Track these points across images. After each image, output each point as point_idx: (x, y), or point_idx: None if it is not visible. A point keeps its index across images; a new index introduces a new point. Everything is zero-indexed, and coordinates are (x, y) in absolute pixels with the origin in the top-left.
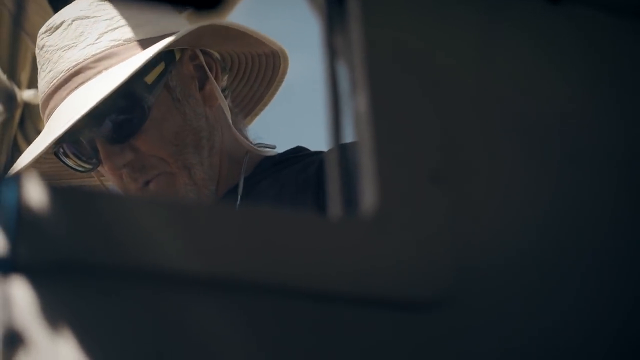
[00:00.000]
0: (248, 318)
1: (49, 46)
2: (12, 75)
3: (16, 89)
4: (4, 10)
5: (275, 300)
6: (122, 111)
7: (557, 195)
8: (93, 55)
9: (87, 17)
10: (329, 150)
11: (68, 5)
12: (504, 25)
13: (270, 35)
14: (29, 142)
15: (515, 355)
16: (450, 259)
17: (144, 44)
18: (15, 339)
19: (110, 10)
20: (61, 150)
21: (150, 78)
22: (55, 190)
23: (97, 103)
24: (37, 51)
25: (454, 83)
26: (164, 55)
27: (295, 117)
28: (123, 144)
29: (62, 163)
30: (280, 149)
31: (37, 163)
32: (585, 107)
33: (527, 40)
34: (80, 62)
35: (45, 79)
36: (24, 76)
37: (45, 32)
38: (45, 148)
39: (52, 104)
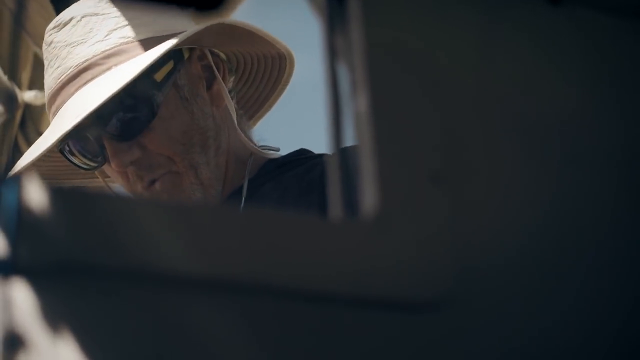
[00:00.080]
0: (249, 319)
1: (57, 42)
2: (13, 75)
3: (17, 90)
4: (5, 10)
5: (276, 302)
6: (131, 108)
7: (557, 195)
8: (102, 52)
9: (97, 14)
10: (330, 152)
11: (76, 3)
12: (504, 26)
13: None
14: (29, 143)
15: (515, 355)
16: (450, 259)
17: (153, 42)
18: (15, 341)
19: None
20: (67, 147)
21: (159, 76)
22: (56, 192)
23: (108, 98)
24: (44, 47)
25: (454, 83)
26: (173, 54)
27: (295, 117)
28: (130, 142)
29: (67, 161)
30: (280, 149)
31: (41, 160)
32: (586, 108)
33: (528, 41)
34: (89, 59)
35: (53, 75)
36: (25, 77)
37: (54, 28)
38: (54, 142)
39: (59, 100)
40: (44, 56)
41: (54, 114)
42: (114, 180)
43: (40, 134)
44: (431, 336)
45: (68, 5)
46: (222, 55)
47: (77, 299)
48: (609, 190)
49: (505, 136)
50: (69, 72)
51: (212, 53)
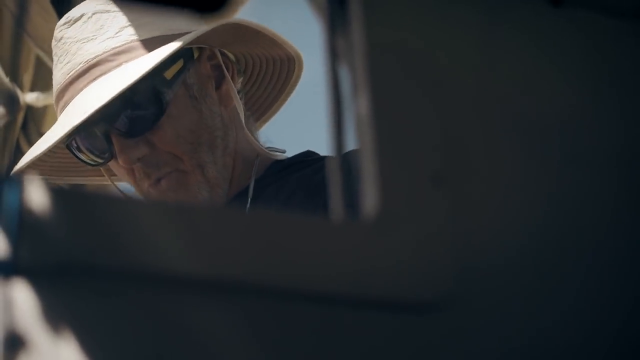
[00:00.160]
0: (249, 320)
1: (68, 38)
2: (15, 77)
3: (19, 92)
4: (6, 12)
5: (276, 303)
6: (140, 104)
7: (557, 196)
8: (113, 49)
9: (108, 11)
10: (331, 153)
11: (85, 0)
12: (505, 27)
13: None
14: (31, 145)
15: (515, 355)
16: (450, 259)
17: (163, 40)
18: (16, 341)
19: None
20: (74, 143)
21: (169, 74)
22: (57, 193)
23: (118, 94)
24: (54, 43)
25: (455, 84)
26: (183, 53)
27: (296, 118)
28: (138, 138)
29: (72, 157)
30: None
31: (46, 156)
32: (586, 108)
33: (528, 42)
34: (100, 55)
35: (62, 70)
36: (27, 79)
37: (64, 24)
38: (63, 136)
39: (67, 95)
40: (53, 52)
41: (62, 109)
42: (120, 178)
43: (42, 135)
44: (431, 336)
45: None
46: (231, 56)
47: (78, 300)
48: (609, 190)
49: (505, 136)
50: (78, 67)
51: (221, 53)
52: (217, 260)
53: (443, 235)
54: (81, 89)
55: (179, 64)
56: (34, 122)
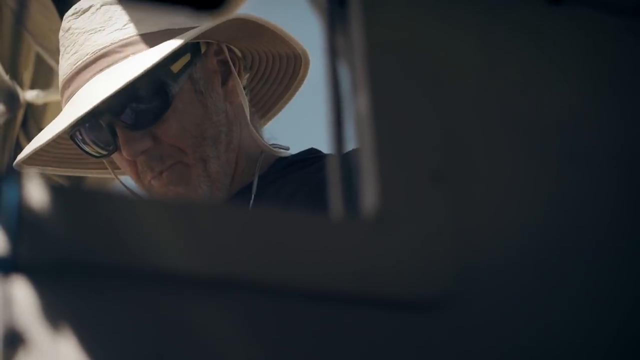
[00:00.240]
0: (249, 318)
1: (75, 28)
2: (15, 75)
3: (19, 89)
4: (6, 9)
5: (276, 301)
6: (146, 97)
7: (557, 195)
8: (120, 40)
9: (116, 3)
10: (331, 152)
11: None
12: (505, 26)
13: None
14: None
15: (515, 355)
16: (450, 259)
17: (171, 34)
18: (15, 339)
19: None
20: (78, 134)
21: (175, 67)
22: (56, 190)
23: (124, 85)
24: (61, 33)
25: (455, 84)
26: (190, 47)
27: (296, 117)
28: (143, 131)
29: (75, 149)
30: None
31: (49, 146)
32: (586, 107)
33: (528, 41)
34: (107, 46)
35: (69, 61)
36: (27, 76)
37: (72, 14)
38: (69, 125)
39: (74, 85)
40: (60, 42)
41: (68, 100)
42: (122, 172)
43: None
44: (431, 335)
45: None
46: (238, 52)
47: (78, 297)
48: (609, 190)
49: (505, 136)
50: (85, 58)
51: (228, 49)
52: (216, 258)
53: (443, 234)
54: (88, 80)
55: (186, 58)
56: (34, 119)
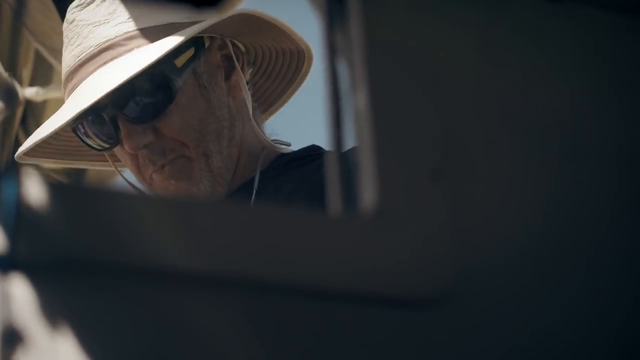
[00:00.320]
0: (248, 316)
1: (80, 20)
2: (14, 72)
3: (18, 87)
4: (5, 6)
5: (275, 298)
6: (150, 91)
7: (557, 195)
8: (125, 33)
9: None
10: (330, 149)
11: None
12: (504, 24)
13: None
14: None
15: (515, 354)
16: (450, 257)
17: (175, 28)
18: (14, 337)
19: None
20: (80, 126)
21: (179, 62)
22: (55, 188)
23: (129, 78)
24: (65, 25)
25: (454, 81)
26: (194, 42)
27: (295, 114)
28: (146, 125)
29: (76, 141)
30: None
31: (52, 138)
32: (586, 106)
33: (528, 39)
34: (112, 39)
35: (73, 53)
36: (26, 74)
37: (77, 6)
38: (72, 118)
39: (77, 78)
40: (64, 34)
41: (70, 92)
42: (123, 164)
43: None
44: (430, 334)
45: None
46: (241, 47)
47: (76, 295)
48: (609, 189)
49: (505, 135)
50: (89, 50)
51: (232, 44)
52: (216, 255)
53: (442, 233)
54: (91, 72)
55: (190, 52)
56: (33, 117)
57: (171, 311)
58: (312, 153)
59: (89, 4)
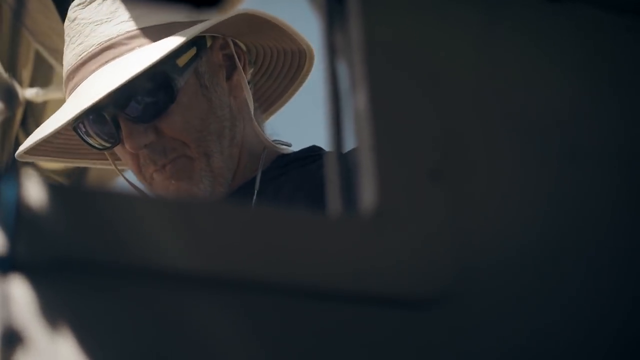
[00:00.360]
0: (248, 316)
1: (82, 19)
2: (13, 72)
3: (18, 87)
4: (5, 6)
5: (275, 298)
6: (151, 90)
7: (557, 195)
8: (127, 32)
9: None
10: (329, 149)
11: None
12: (504, 24)
13: None
14: None
15: (515, 354)
16: (450, 257)
17: (178, 27)
18: (14, 337)
19: None
20: (81, 125)
21: (181, 61)
22: (54, 188)
23: (132, 77)
24: (67, 23)
25: (453, 81)
26: (196, 41)
27: (294, 114)
28: (147, 124)
29: (75, 140)
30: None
31: (52, 137)
32: (585, 106)
33: (527, 39)
34: (113, 38)
35: (74, 51)
36: (26, 74)
37: (79, 5)
38: (74, 117)
39: (78, 76)
40: (66, 32)
41: (72, 91)
42: (123, 163)
43: None
44: (431, 334)
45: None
46: (243, 46)
47: (76, 296)
48: (609, 189)
49: (505, 135)
50: (91, 49)
51: (233, 43)
52: (216, 256)
53: (442, 233)
54: (93, 71)
55: (192, 52)
56: (33, 117)
57: (171, 311)
58: (313, 154)
59: (90, 2)
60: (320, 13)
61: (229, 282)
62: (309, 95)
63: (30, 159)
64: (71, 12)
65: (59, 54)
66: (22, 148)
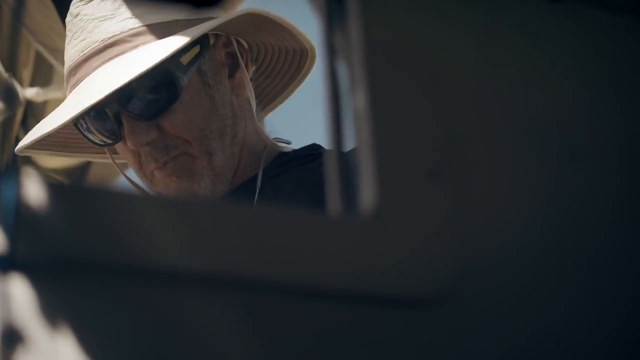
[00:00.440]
0: (248, 316)
1: (85, 15)
2: (14, 72)
3: (18, 87)
4: (5, 6)
5: (275, 298)
6: (155, 88)
7: (556, 195)
8: (130, 29)
9: None
10: (329, 149)
11: None
12: (504, 24)
13: None
14: None
15: (515, 354)
16: (450, 257)
17: (181, 24)
18: (14, 337)
19: None
20: (82, 121)
21: (185, 59)
22: (54, 187)
23: (139, 75)
24: (69, 18)
25: (453, 81)
26: (200, 39)
27: (294, 114)
28: (149, 122)
29: (78, 133)
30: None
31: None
32: (585, 106)
33: (527, 39)
34: (117, 35)
35: (77, 47)
36: (27, 74)
37: (81, 0)
38: (78, 114)
39: (81, 72)
40: (67, 28)
41: (73, 87)
42: (122, 158)
43: None
44: (430, 334)
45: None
46: (245, 44)
47: (76, 295)
48: (609, 189)
49: (505, 135)
50: (94, 46)
51: (236, 41)
52: (215, 256)
53: (442, 232)
54: (96, 68)
55: (195, 50)
56: (33, 117)
57: (171, 311)
58: (313, 152)
59: None
60: (319, 13)
61: (229, 282)
62: (309, 95)
63: (30, 153)
64: (74, 7)
65: (59, 54)
66: (22, 143)
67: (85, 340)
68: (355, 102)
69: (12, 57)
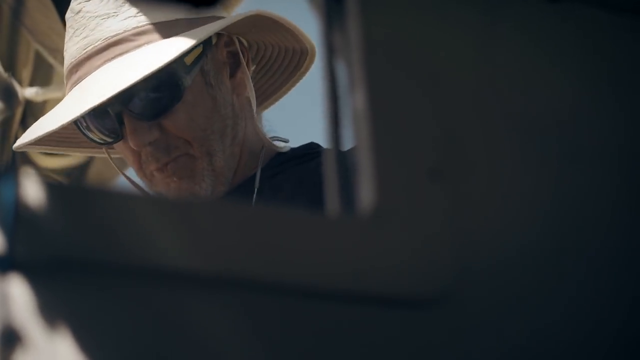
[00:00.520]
0: (248, 317)
1: (87, 12)
2: (13, 72)
3: (18, 87)
4: (5, 6)
5: (275, 298)
6: (157, 89)
7: (556, 195)
8: (134, 28)
9: None
10: (328, 148)
11: None
12: (504, 24)
13: None
14: None
15: (515, 354)
16: (449, 257)
17: (185, 23)
18: (13, 337)
19: None
20: (82, 119)
21: (189, 59)
22: (54, 187)
23: (144, 77)
24: (70, 15)
25: (453, 81)
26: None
27: (293, 113)
28: (151, 122)
29: (76, 129)
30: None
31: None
32: (585, 106)
33: (527, 39)
34: (120, 33)
35: (79, 45)
36: (26, 74)
37: None
38: (82, 114)
39: (82, 70)
40: (68, 24)
41: (74, 84)
42: (118, 153)
43: None
44: (430, 334)
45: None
46: (245, 43)
47: (75, 295)
48: (609, 189)
49: (504, 135)
50: (97, 44)
51: (238, 40)
52: (215, 256)
53: (442, 232)
54: (98, 67)
55: (198, 50)
56: (33, 117)
57: (171, 311)
58: (311, 151)
59: None
60: (319, 13)
61: (228, 282)
62: (308, 95)
63: (27, 149)
64: (75, 4)
65: (58, 54)
66: (22, 140)
67: (84, 340)
68: (355, 101)
69: (12, 56)
